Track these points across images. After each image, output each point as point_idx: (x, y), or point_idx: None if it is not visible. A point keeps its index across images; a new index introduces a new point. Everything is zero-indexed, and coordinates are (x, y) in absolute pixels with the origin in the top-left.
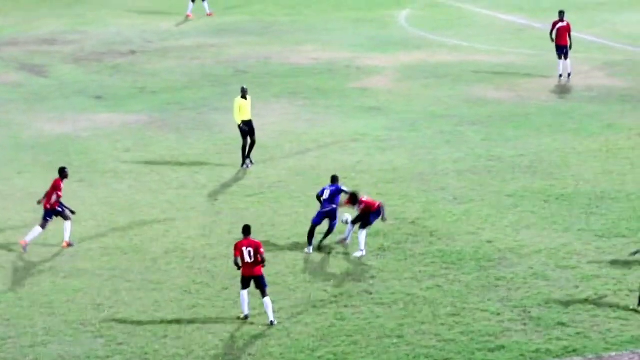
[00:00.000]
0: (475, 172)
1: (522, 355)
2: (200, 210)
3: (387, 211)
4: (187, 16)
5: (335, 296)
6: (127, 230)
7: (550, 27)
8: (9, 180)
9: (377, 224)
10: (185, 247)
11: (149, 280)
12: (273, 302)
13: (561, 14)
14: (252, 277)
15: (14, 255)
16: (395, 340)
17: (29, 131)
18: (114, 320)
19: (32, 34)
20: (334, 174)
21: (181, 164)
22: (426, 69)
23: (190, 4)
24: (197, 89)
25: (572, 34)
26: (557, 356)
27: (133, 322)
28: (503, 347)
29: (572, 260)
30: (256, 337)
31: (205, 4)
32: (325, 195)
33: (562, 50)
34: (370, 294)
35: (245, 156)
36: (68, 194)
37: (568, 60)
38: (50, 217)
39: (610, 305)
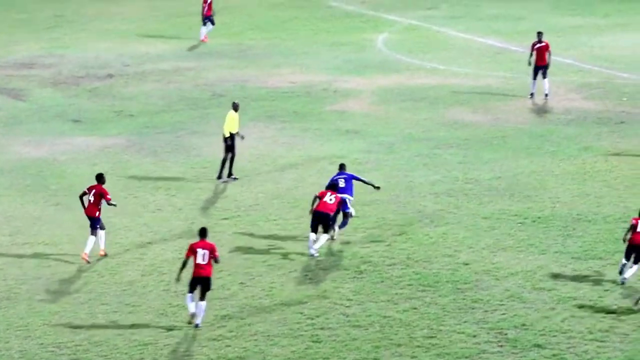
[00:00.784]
0: (452, 195)
1: None
2: (176, 233)
3: (364, 234)
4: (202, 41)
5: (312, 318)
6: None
7: (529, 50)
8: None
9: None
10: (162, 270)
11: (125, 303)
12: (249, 325)
13: (539, 34)
14: (202, 278)
15: None
16: None
17: (6, 155)
18: (91, 343)
19: (9, 58)
20: (341, 162)
21: (158, 187)
22: (404, 92)
23: (202, 28)
24: (174, 113)
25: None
26: None
27: (109, 345)
28: None
29: (549, 282)
30: None
31: (203, 30)
32: (341, 184)
33: (541, 69)
34: (347, 316)
35: (222, 169)
36: (44, 218)
37: (546, 79)
38: (99, 224)
39: (587, 327)
